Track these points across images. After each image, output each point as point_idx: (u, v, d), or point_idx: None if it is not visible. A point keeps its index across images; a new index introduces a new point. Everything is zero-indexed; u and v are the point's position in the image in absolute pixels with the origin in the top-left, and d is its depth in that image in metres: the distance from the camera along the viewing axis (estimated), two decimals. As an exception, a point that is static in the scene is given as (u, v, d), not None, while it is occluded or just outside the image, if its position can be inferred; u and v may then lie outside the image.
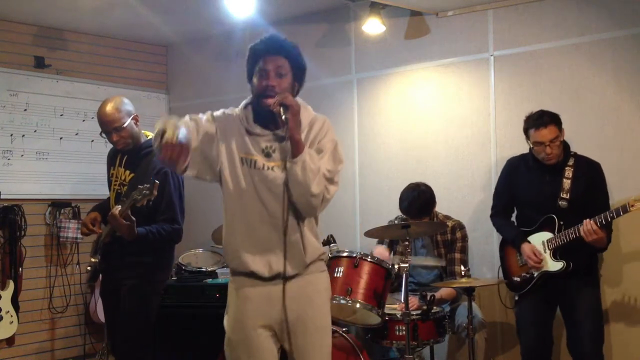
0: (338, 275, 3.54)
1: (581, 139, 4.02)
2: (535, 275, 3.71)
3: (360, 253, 3.61)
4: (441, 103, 4.76)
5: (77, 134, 5.61)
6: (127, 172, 3.65)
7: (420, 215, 4.07)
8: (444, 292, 4.01)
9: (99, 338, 5.51)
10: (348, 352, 3.63)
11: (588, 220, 3.48)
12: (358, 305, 3.48)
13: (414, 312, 3.66)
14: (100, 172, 4.25)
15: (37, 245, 5.37)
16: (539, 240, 3.72)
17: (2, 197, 5.14)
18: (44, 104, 5.45)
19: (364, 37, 5.00)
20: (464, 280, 3.61)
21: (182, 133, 2.30)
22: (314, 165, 2.45)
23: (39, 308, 5.40)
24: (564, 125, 3.71)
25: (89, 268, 3.71)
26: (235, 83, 5.21)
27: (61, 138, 5.54)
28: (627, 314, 4.04)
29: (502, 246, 3.99)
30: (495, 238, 4.22)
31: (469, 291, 3.58)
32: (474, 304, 3.75)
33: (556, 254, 3.65)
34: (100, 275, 3.76)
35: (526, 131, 3.74)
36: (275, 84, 2.49)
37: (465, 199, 4.61)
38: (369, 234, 3.76)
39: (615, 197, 3.92)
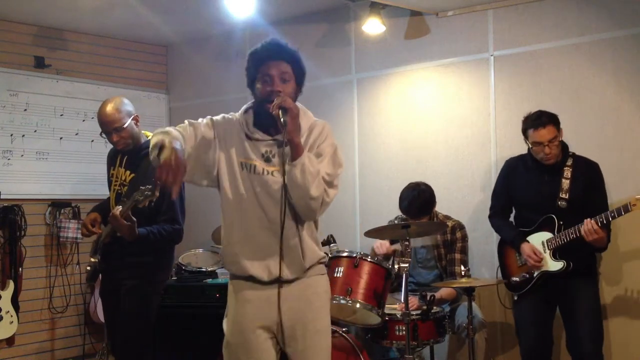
0: (338, 275, 3.54)
1: (581, 139, 4.03)
2: (535, 275, 3.71)
3: (360, 253, 3.62)
4: (441, 103, 4.76)
5: (77, 134, 5.61)
6: (128, 172, 3.65)
7: (420, 215, 4.07)
8: (444, 292, 4.01)
9: (99, 338, 5.51)
10: (348, 352, 3.63)
11: (589, 219, 3.48)
12: (358, 305, 3.48)
13: (414, 312, 3.66)
14: (100, 172, 4.25)
15: (37, 245, 5.37)
16: (538, 240, 3.72)
17: (2, 197, 5.14)
18: (44, 104, 5.45)
19: (364, 37, 5.00)
20: (464, 280, 3.61)
21: (180, 153, 2.30)
22: (313, 168, 2.45)
23: (39, 308, 5.40)
24: (564, 126, 3.72)
25: (88, 268, 3.71)
26: (235, 83, 5.21)
27: (61, 138, 5.55)
28: (626, 313, 4.04)
29: (501, 247, 4.00)
30: (495, 238, 4.22)
31: (469, 291, 3.58)
32: (474, 304, 3.75)
33: (556, 254, 3.65)
34: (100, 276, 3.77)
35: (525, 131, 3.74)
36: (281, 89, 2.49)
37: (465, 199, 4.61)
38: (369, 234, 3.76)
39: (616, 197, 3.92)
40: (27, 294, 5.25)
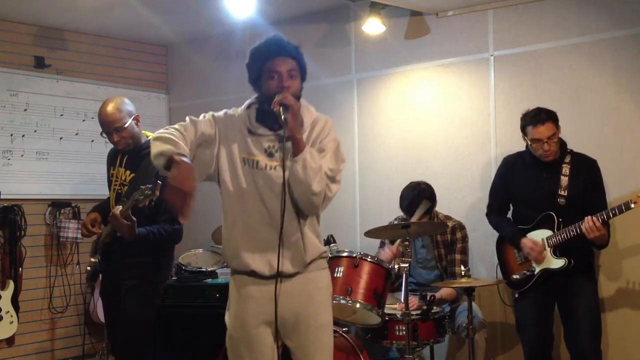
0: (338, 275, 3.54)
1: (581, 138, 4.03)
2: (536, 272, 3.71)
3: (360, 253, 3.61)
4: (441, 103, 4.76)
5: (77, 134, 5.61)
6: (128, 172, 3.64)
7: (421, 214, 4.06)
8: (444, 292, 4.01)
9: (99, 338, 5.51)
10: (348, 352, 3.63)
11: (589, 217, 3.49)
12: (358, 305, 3.48)
13: (414, 312, 3.66)
14: (100, 172, 4.25)
15: (37, 245, 5.37)
16: (538, 237, 3.72)
17: (2, 197, 5.14)
18: (44, 104, 5.45)
19: (364, 37, 5.00)
20: (464, 280, 3.60)
21: (192, 173, 2.33)
22: (314, 164, 2.47)
23: (39, 308, 5.40)
24: (563, 126, 3.72)
25: (88, 268, 3.71)
26: (235, 83, 5.23)
27: (61, 138, 5.54)
28: (623, 308, 4.05)
29: (499, 244, 3.99)
30: (495, 238, 4.21)
31: (469, 291, 3.58)
32: (474, 304, 3.74)
33: (556, 251, 3.65)
34: (100, 275, 3.77)
35: (523, 128, 3.74)
36: (289, 85, 2.50)
37: (465, 199, 4.61)
38: (369, 234, 3.75)
39: (616, 197, 3.92)
40: (27, 294, 5.25)
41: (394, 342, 3.69)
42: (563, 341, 3.86)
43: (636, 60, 4.03)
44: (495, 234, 4.07)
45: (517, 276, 3.80)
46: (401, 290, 3.61)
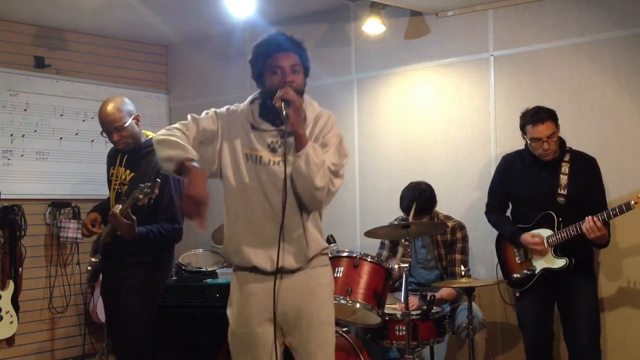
0: (338, 275, 3.54)
1: (581, 138, 4.02)
2: (536, 272, 3.71)
3: (360, 253, 3.62)
4: (441, 103, 4.76)
5: (77, 134, 5.61)
6: (128, 171, 3.64)
7: (421, 214, 4.06)
8: (444, 292, 4.01)
9: (99, 338, 5.51)
10: (348, 352, 3.63)
11: (590, 217, 3.48)
12: (358, 305, 3.48)
13: (414, 312, 3.66)
14: (100, 172, 4.25)
15: (37, 245, 5.37)
16: (538, 237, 3.73)
17: (2, 197, 5.14)
18: (44, 104, 5.45)
19: (364, 37, 5.00)
20: (464, 280, 3.61)
21: (205, 182, 2.37)
22: (317, 159, 2.47)
23: (39, 308, 5.39)
24: (563, 125, 3.72)
25: (89, 268, 3.71)
26: (235, 83, 5.22)
27: (61, 138, 5.54)
28: (623, 308, 4.05)
29: (498, 243, 3.99)
30: (495, 237, 4.22)
31: (469, 291, 3.58)
32: (474, 304, 3.75)
33: (557, 251, 3.65)
34: (101, 275, 3.76)
35: (523, 127, 3.74)
36: (292, 79, 2.51)
37: (465, 199, 4.61)
38: (369, 234, 3.76)
39: (616, 197, 3.92)
40: (27, 294, 5.25)
41: (394, 342, 3.69)
42: (563, 340, 3.86)
43: (636, 60, 4.03)
44: (495, 234, 4.07)
45: (518, 275, 3.80)
46: (401, 290, 3.61)
